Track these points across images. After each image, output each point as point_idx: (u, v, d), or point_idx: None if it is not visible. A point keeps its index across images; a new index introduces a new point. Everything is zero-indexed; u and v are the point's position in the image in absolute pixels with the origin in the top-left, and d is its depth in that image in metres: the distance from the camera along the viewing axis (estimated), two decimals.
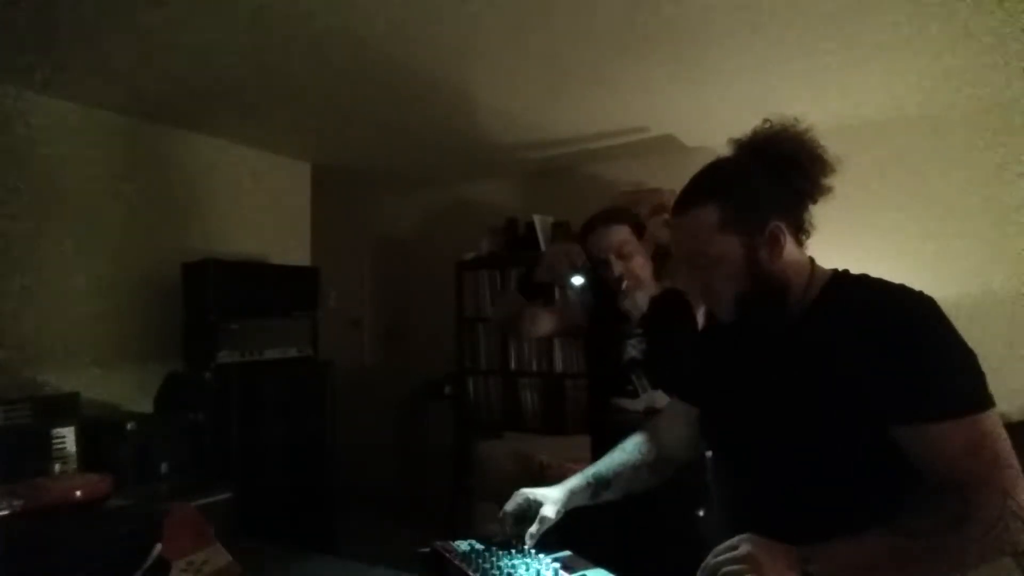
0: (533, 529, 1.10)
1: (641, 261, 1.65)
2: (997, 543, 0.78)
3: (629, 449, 1.22)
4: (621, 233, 1.65)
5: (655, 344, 1.62)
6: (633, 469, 1.19)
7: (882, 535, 0.80)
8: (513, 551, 1.10)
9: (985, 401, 0.83)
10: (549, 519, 1.12)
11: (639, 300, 1.64)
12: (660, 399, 1.56)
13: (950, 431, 0.81)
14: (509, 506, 1.14)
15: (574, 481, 1.18)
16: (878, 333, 0.86)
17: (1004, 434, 0.82)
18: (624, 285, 1.62)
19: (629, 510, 1.25)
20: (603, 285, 1.70)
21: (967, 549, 0.78)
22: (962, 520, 0.78)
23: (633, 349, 1.64)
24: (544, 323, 1.83)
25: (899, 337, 0.85)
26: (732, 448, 1.04)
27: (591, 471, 1.20)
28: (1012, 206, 2.69)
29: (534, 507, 1.13)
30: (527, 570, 1.02)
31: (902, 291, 0.90)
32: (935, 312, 0.87)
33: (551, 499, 1.14)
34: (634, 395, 1.61)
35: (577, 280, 1.66)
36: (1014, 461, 0.81)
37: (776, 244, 0.94)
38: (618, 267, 1.62)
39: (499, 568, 1.02)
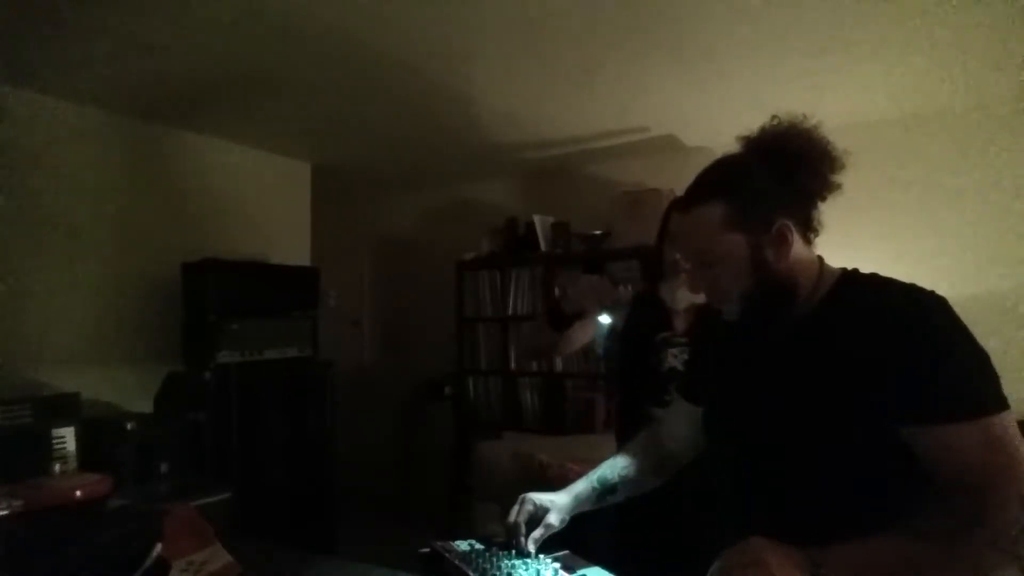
0: (537, 535, 1.09)
1: None
2: (1013, 548, 0.77)
3: (633, 452, 1.22)
4: None
5: (697, 356, 1.55)
6: (638, 472, 1.19)
7: (894, 538, 0.79)
8: (513, 551, 1.10)
9: (1000, 402, 0.81)
10: (553, 526, 1.11)
11: (679, 295, 1.59)
12: None
13: (965, 432, 0.80)
14: (521, 516, 1.12)
15: (580, 486, 1.17)
16: (890, 333, 0.84)
17: (1019, 436, 0.81)
18: (677, 274, 1.56)
19: (666, 514, 1.23)
20: (643, 299, 1.68)
21: (982, 553, 0.77)
22: (977, 524, 0.77)
23: (674, 359, 1.59)
24: (577, 339, 1.77)
25: (912, 337, 0.83)
26: (737, 448, 1.03)
27: (596, 475, 1.19)
28: (1013, 205, 2.69)
29: (540, 513, 1.12)
30: (527, 570, 1.02)
31: (914, 291, 0.88)
32: (948, 312, 0.85)
33: (557, 506, 1.13)
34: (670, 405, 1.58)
35: (604, 319, 1.63)
36: None
37: (783, 243, 0.93)
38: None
39: (499, 568, 1.02)
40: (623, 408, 1.73)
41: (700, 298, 1.60)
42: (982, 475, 0.79)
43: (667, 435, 1.21)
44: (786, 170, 0.93)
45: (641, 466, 1.19)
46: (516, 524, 1.11)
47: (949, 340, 0.84)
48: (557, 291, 1.72)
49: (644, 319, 1.66)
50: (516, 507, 1.14)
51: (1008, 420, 0.81)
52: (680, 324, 1.61)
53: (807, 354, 0.93)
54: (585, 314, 1.65)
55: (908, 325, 0.84)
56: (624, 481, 1.18)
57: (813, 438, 0.89)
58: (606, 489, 1.17)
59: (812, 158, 0.94)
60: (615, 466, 1.20)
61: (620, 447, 1.67)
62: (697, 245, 0.97)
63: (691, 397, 1.17)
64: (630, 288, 1.78)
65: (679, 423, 1.19)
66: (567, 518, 1.14)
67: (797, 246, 0.94)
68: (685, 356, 1.57)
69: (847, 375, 0.87)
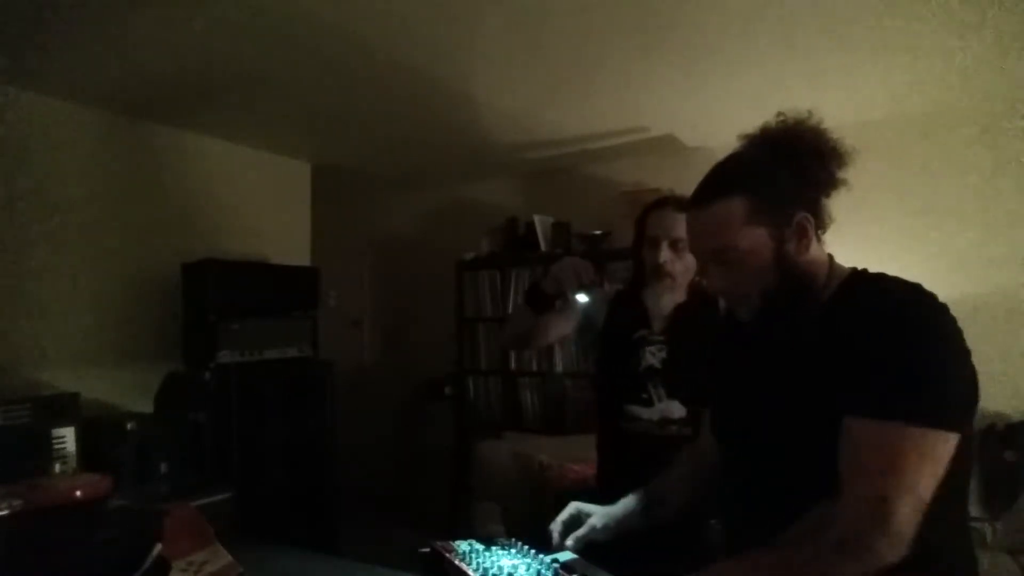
0: (580, 533, 1.10)
1: (689, 266, 1.55)
2: (854, 554, 0.74)
3: (681, 463, 1.21)
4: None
5: (676, 353, 1.54)
6: (686, 483, 1.18)
7: (768, 548, 0.80)
8: (513, 551, 1.10)
9: (937, 419, 0.77)
10: (595, 527, 1.11)
11: (664, 301, 1.58)
12: (676, 409, 1.51)
13: (870, 430, 0.77)
14: (561, 516, 1.14)
15: (628, 498, 1.17)
16: (878, 331, 0.83)
17: (939, 460, 0.76)
18: (662, 278, 1.54)
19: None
20: (621, 298, 1.66)
21: (827, 559, 0.75)
22: (826, 527, 0.76)
23: (652, 357, 1.56)
24: (555, 329, 1.74)
25: (884, 330, 0.82)
26: (740, 446, 1.02)
27: (643, 489, 1.18)
28: (1013, 205, 2.69)
29: (583, 517, 1.13)
30: (527, 570, 1.01)
31: (915, 292, 0.86)
32: (939, 317, 0.83)
33: (601, 511, 1.14)
34: (648, 403, 1.54)
35: (582, 298, 1.59)
36: (919, 488, 0.75)
37: (804, 236, 0.92)
38: (666, 255, 1.52)
39: (499, 568, 1.02)
40: (602, 407, 1.70)
41: (683, 299, 1.60)
42: (852, 476, 0.77)
43: (704, 443, 1.19)
44: (799, 165, 0.93)
45: (687, 476, 1.18)
46: (555, 523, 1.13)
47: (921, 343, 0.81)
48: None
49: (622, 318, 1.64)
50: (563, 511, 1.16)
51: (933, 439, 0.77)
52: (657, 323, 1.60)
53: (814, 353, 0.91)
54: (564, 293, 1.60)
55: (893, 324, 0.83)
56: (672, 492, 1.17)
57: (815, 437, 0.88)
58: (654, 500, 1.16)
59: (823, 153, 0.93)
60: (664, 478, 1.19)
61: (600, 445, 1.68)
62: (718, 241, 0.93)
63: (679, 396, 1.17)
64: (617, 287, 1.77)
65: (707, 429, 1.18)
66: (611, 524, 1.13)
67: (811, 242, 0.93)
68: (663, 354, 1.55)
69: (848, 373, 0.86)
